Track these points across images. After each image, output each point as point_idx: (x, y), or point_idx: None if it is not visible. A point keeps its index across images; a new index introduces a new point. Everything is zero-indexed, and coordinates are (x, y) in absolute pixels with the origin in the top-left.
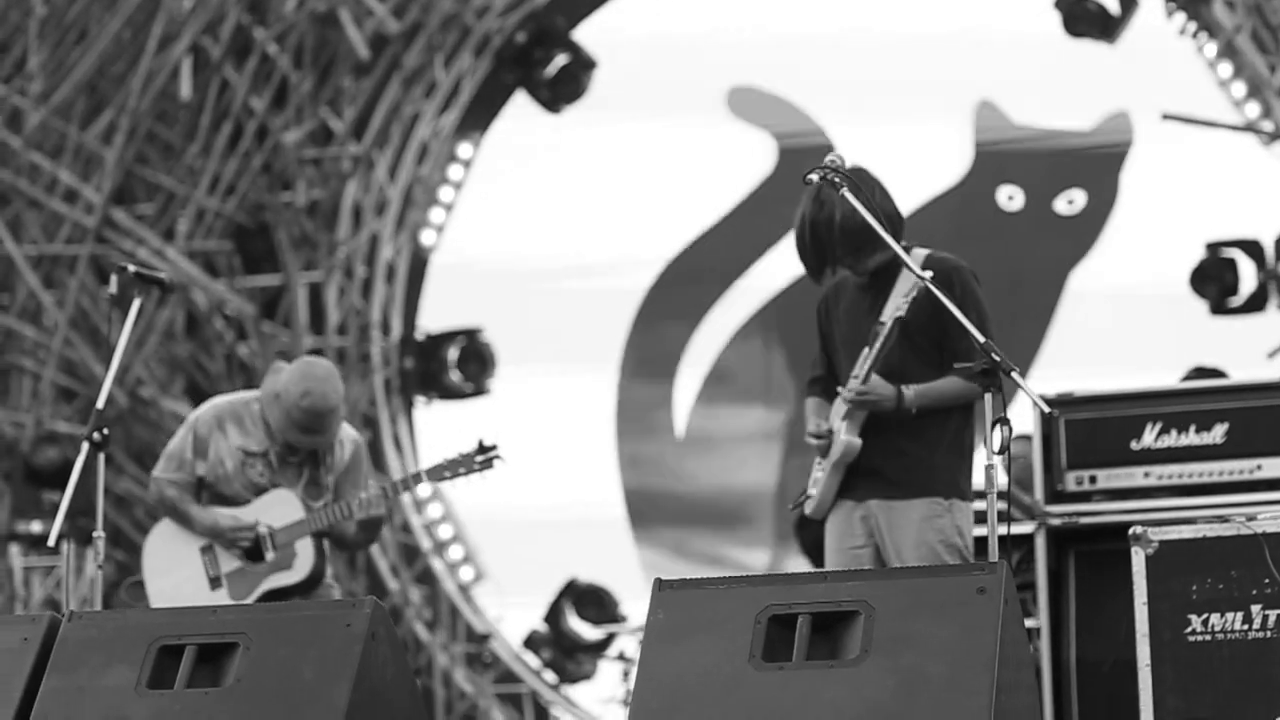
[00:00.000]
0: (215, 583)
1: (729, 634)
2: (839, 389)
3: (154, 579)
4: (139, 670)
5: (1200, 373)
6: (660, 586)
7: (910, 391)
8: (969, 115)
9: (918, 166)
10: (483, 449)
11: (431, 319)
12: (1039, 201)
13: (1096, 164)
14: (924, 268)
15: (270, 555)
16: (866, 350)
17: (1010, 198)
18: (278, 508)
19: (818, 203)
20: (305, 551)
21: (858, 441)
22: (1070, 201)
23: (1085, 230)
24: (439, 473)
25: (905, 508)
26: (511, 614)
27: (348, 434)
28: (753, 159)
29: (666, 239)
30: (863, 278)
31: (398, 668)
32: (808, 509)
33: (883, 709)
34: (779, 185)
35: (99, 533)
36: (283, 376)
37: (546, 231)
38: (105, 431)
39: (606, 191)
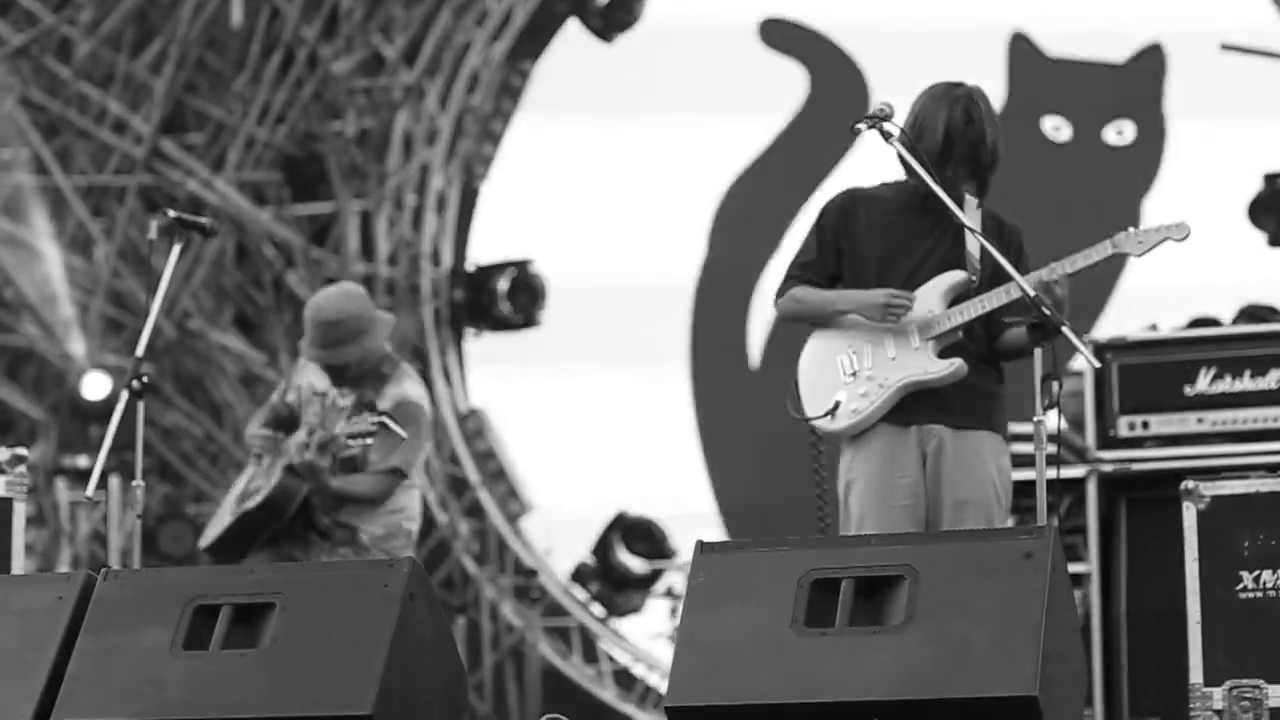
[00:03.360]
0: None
1: (771, 598)
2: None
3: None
4: (174, 630)
5: (1252, 311)
6: (702, 549)
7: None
8: (1002, 46)
9: None
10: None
11: (481, 250)
12: (1088, 132)
13: (1138, 95)
14: (984, 221)
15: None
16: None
17: (1056, 128)
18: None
19: (965, 114)
20: (274, 479)
21: (965, 364)
22: (1120, 132)
23: (1145, 161)
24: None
25: (974, 438)
26: (559, 547)
27: (397, 393)
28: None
29: (721, 170)
30: (912, 197)
31: (436, 628)
32: (837, 423)
33: (927, 676)
34: (812, 117)
35: (138, 482)
36: None
37: (597, 162)
38: (146, 378)
39: (657, 122)
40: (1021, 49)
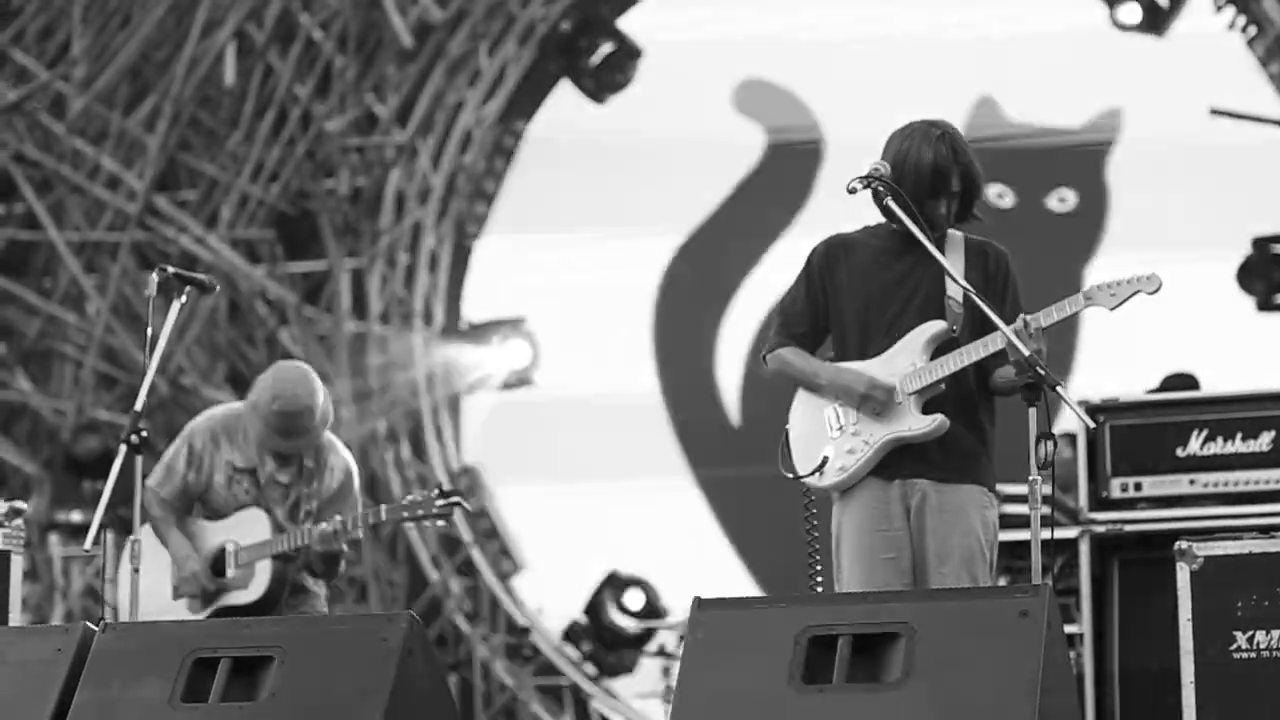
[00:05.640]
0: (176, 591)
1: (769, 655)
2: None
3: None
4: (173, 683)
5: (1176, 379)
6: (699, 605)
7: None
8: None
9: None
10: (444, 494)
11: (474, 309)
12: (1030, 199)
13: (1081, 162)
14: (968, 250)
15: (230, 573)
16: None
17: (1000, 195)
18: (248, 526)
19: (951, 149)
20: (264, 573)
21: (947, 420)
22: (1062, 200)
23: (1087, 228)
24: (397, 512)
25: (957, 492)
26: (552, 606)
27: (339, 462)
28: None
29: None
30: (891, 242)
31: (434, 683)
32: (825, 480)
33: None
34: (766, 180)
35: (136, 536)
36: (257, 385)
37: (589, 222)
38: (144, 433)
39: (648, 182)
40: (984, 113)
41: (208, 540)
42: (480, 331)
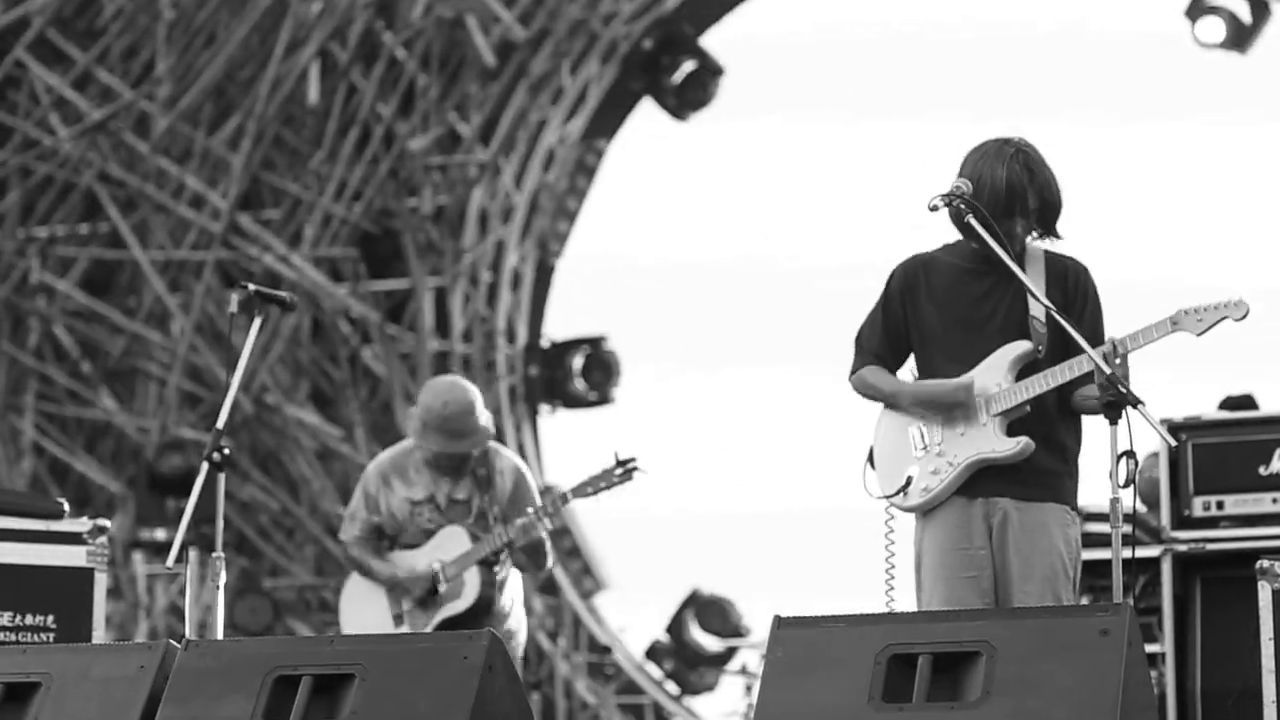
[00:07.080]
0: (399, 620)
1: (849, 673)
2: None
3: (348, 617)
4: (255, 701)
5: (1235, 400)
6: (779, 624)
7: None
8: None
9: None
10: (620, 462)
11: (556, 326)
12: None
13: None
14: (1048, 267)
15: (443, 588)
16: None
17: None
18: (449, 543)
19: (1025, 168)
20: (473, 580)
21: (1032, 443)
22: None
23: None
24: (583, 490)
25: (1039, 510)
26: (634, 624)
27: (507, 464)
28: (876, 161)
29: (790, 242)
30: (972, 261)
31: (514, 700)
32: (910, 500)
33: None
34: None
35: (219, 554)
36: (417, 406)
37: (672, 239)
38: (226, 451)
39: (731, 198)
40: None
41: (415, 567)
42: (562, 350)
